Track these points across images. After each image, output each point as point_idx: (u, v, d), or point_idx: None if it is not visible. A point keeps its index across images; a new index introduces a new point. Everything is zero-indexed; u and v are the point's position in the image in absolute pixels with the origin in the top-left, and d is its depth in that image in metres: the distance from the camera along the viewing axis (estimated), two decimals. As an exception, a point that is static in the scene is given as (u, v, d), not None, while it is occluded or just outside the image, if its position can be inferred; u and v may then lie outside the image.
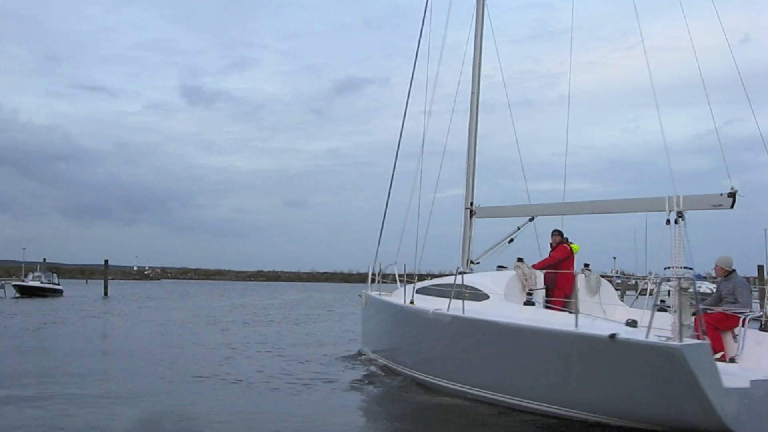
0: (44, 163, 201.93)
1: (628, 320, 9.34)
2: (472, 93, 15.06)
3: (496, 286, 11.81)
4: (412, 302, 12.54)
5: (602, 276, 12.10)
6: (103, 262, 63.12)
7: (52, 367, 14.36)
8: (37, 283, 53.99)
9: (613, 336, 8.28)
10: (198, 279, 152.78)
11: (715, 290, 10.08)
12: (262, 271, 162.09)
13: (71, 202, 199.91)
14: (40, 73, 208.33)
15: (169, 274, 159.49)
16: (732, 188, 10.21)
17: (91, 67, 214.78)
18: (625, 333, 8.40)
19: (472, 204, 14.58)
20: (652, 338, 7.95)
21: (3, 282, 55.55)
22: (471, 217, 14.51)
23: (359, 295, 16.81)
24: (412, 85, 16.51)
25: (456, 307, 10.96)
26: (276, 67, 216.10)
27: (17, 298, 49.20)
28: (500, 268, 13.18)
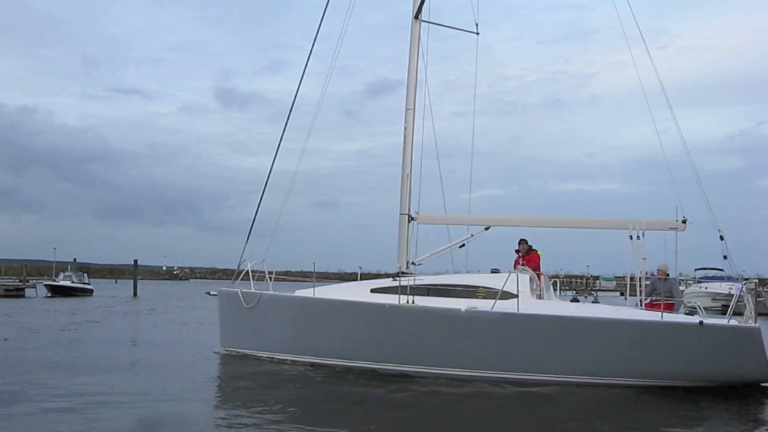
0: (78, 164, 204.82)
1: (687, 311, 13.48)
2: (408, 109, 15.88)
3: (521, 286, 12.90)
4: (412, 302, 13.17)
5: (631, 277, 13.56)
6: (132, 262, 63.85)
7: (83, 362, 14.49)
8: (68, 283, 54.71)
9: (701, 322, 11.87)
10: (226, 279, 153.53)
11: (648, 285, 13.76)
12: (290, 272, 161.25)
13: (103, 202, 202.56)
14: (75, 75, 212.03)
15: (198, 274, 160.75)
16: (684, 216, 13.71)
17: (125, 69, 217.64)
18: (707, 320, 12.06)
19: (409, 210, 15.62)
20: (733, 323, 12.08)
21: (34, 281, 56.37)
22: (409, 222, 15.57)
23: (210, 293, 16.88)
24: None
25: (486, 305, 12.69)
26: (307, 69, 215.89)
27: (48, 297, 49.85)
28: (494, 271, 14.60)
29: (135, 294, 55.29)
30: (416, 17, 16.06)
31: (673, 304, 13.53)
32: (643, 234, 13.39)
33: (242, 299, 15.10)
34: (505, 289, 12.79)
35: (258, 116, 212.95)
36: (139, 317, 31.46)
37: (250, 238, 16.14)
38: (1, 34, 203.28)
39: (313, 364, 14.04)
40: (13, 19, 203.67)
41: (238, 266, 15.76)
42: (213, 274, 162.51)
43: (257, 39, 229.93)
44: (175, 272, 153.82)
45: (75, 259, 72.13)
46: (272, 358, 14.69)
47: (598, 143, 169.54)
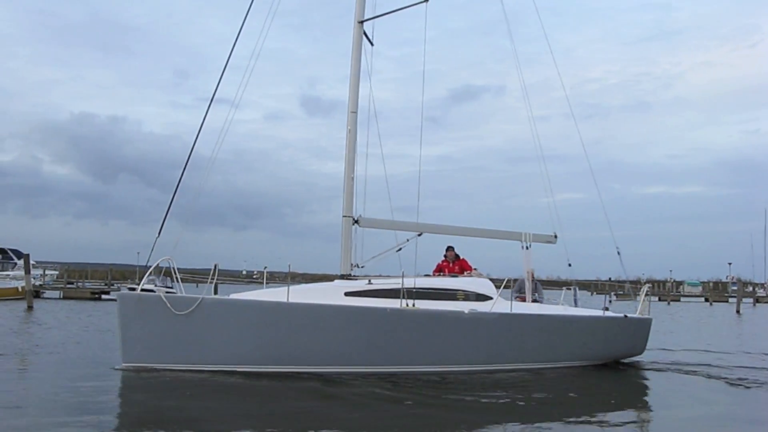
0: (163, 171, 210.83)
1: (604, 307, 16.27)
2: (352, 112, 15.78)
3: (492, 290, 14.79)
4: (413, 305, 13.60)
5: (716, 282, 14.72)
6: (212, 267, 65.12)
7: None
8: (151, 287, 56.01)
9: (626, 316, 16.02)
10: (304, 282, 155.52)
11: (517, 284, 16.54)
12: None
13: (187, 208, 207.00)
14: (163, 85, 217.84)
15: (277, 278, 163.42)
16: (554, 233, 16.50)
17: (211, 77, 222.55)
18: (629, 315, 16.38)
19: (353, 215, 15.42)
20: (639, 315, 16.52)
21: (119, 285, 58.18)
22: (353, 224, 15.40)
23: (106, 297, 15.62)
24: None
25: (464, 306, 14.07)
26: (389, 74, 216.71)
27: (132, 300, 51.13)
28: (453, 275, 15.74)
29: (214, 297, 56.04)
30: (360, 22, 16.11)
31: (535, 299, 16.27)
32: (530, 245, 15.89)
33: (168, 305, 12.93)
34: (482, 292, 14.57)
35: (340, 122, 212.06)
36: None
37: (162, 232, 14.00)
38: (97, 50, 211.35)
39: (289, 374, 12.80)
40: (107, 35, 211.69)
41: (147, 263, 13.70)
42: (292, 278, 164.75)
43: (339, 45, 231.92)
44: (254, 276, 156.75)
45: (158, 264, 73.96)
46: (219, 370, 12.63)
47: (682, 145, 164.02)
